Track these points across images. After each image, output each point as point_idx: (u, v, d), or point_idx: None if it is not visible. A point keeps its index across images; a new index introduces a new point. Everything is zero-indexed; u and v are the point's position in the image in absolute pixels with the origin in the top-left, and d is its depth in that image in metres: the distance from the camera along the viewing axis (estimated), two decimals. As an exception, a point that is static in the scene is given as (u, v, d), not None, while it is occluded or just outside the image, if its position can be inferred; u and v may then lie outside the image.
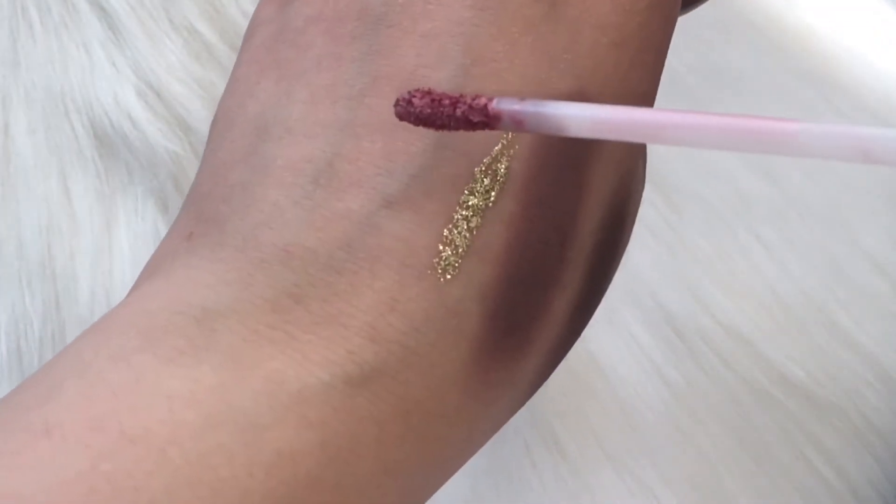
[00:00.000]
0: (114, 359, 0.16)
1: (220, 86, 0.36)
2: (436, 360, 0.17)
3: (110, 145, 0.36)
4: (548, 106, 0.15)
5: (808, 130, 0.13)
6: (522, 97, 0.16)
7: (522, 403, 0.20)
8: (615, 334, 0.34)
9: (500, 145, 0.17)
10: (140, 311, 0.17)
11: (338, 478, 0.16)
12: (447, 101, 0.16)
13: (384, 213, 0.17)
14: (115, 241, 0.34)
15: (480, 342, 0.18)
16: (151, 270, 0.18)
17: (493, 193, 0.17)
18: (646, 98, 0.19)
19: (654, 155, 0.38)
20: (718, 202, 0.36)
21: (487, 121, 0.16)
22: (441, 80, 0.17)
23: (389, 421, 0.17)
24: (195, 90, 0.36)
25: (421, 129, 0.17)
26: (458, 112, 0.16)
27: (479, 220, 0.17)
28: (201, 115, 0.36)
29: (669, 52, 0.20)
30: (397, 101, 0.16)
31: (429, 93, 0.16)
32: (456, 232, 0.17)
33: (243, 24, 0.37)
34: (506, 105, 0.16)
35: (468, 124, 0.16)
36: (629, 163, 0.20)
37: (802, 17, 0.39)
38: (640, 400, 0.33)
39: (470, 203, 0.17)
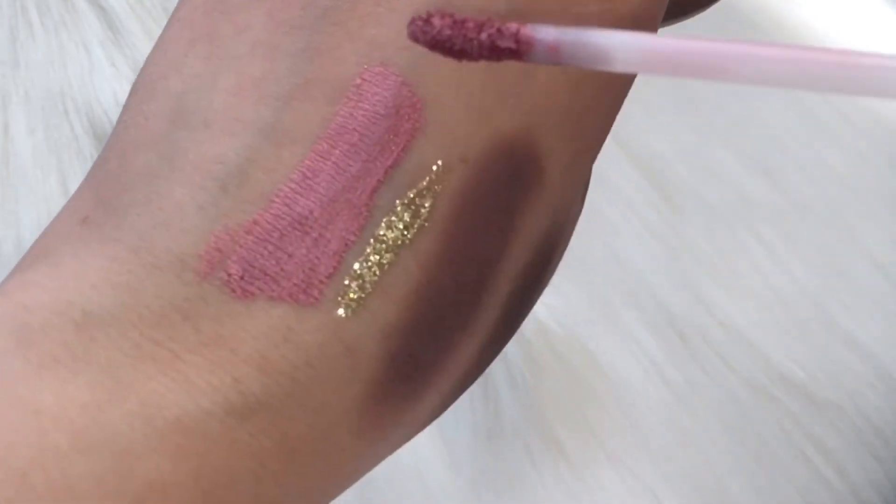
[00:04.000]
0: None
1: (220, 85, 0.36)
2: (326, 398, 0.16)
3: (110, 145, 0.36)
4: (592, 34, 0.13)
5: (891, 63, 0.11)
6: (563, 27, 0.14)
7: (415, 435, 0.19)
8: (616, 334, 0.34)
9: (427, 179, 0.16)
10: (17, 304, 0.15)
11: None
12: (471, 24, 0.14)
13: (292, 234, 0.16)
14: (115, 241, 0.35)
15: (375, 385, 0.16)
16: (39, 251, 0.17)
17: (411, 231, 0.16)
18: (595, 142, 0.18)
19: (656, 155, 0.38)
20: (719, 202, 0.36)
21: (517, 48, 0.14)
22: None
23: (270, 457, 0.16)
24: (195, 90, 0.36)
25: (350, 154, 0.16)
26: (484, 36, 0.14)
27: (393, 256, 0.16)
28: (201, 115, 0.36)
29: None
30: (412, 20, 0.14)
31: (450, 13, 0.14)
32: (365, 266, 0.16)
33: (243, 23, 0.37)
34: (541, 32, 0.14)
35: (494, 51, 0.14)
36: (568, 199, 0.18)
37: (802, 17, 0.39)
38: (640, 400, 0.33)
39: (385, 237, 0.16)
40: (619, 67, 0.13)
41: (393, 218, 0.16)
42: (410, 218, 0.16)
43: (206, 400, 0.15)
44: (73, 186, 0.35)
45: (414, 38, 0.15)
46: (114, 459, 0.14)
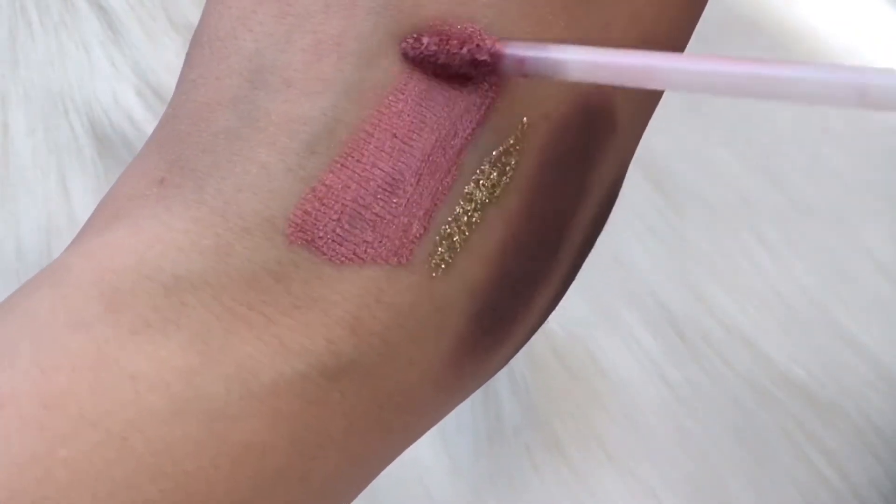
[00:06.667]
0: (73, 325, 0.15)
1: (220, 85, 0.36)
2: (414, 356, 0.16)
3: (110, 145, 0.36)
4: (550, 50, 0.15)
5: (805, 75, 0.13)
6: (529, 42, 0.16)
7: (487, 381, 0.19)
8: (616, 335, 0.34)
9: (513, 137, 0.16)
10: (103, 268, 0.15)
11: (304, 471, 0.15)
12: (455, 41, 0.16)
13: (382, 195, 0.16)
14: (115, 242, 0.34)
15: (460, 341, 0.17)
16: (113, 213, 0.17)
17: (499, 189, 0.16)
18: (659, 93, 0.19)
19: (656, 155, 0.38)
20: (720, 202, 0.36)
21: (491, 60, 0.16)
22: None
23: (359, 415, 0.16)
24: (195, 90, 0.36)
25: (437, 112, 0.16)
26: (465, 51, 0.16)
27: (480, 215, 0.16)
28: (201, 115, 0.36)
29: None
30: (405, 38, 0.16)
31: (437, 32, 0.16)
32: (455, 226, 0.16)
33: (243, 23, 0.37)
34: (510, 48, 0.16)
35: (472, 63, 0.16)
36: (632, 147, 0.19)
37: (802, 17, 0.39)
38: (641, 400, 0.33)
39: (473, 196, 0.16)
40: (572, 77, 0.15)
41: (481, 176, 0.16)
42: (497, 176, 0.16)
43: (300, 362, 0.15)
44: (74, 186, 0.35)
45: (404, 53, 0.16)
46: (211, 423, 0.14)
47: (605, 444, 0.32)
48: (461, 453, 0.32)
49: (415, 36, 0.16)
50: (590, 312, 0.34)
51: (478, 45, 0.16)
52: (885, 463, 0.32)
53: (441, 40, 0.16)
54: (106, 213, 0.17)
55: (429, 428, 0.18)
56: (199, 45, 0.18)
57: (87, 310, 0.15)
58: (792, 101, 0.13)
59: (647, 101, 0.18)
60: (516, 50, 0.16)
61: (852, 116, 0.37)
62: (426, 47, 0.16)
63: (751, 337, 0.33)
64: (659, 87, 0.15)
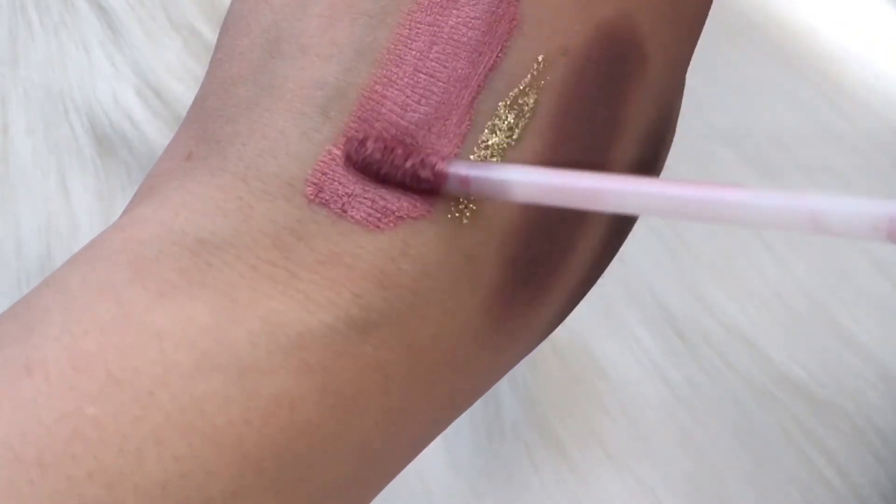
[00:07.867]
0: (102, 291, 0.15)
1: (220, 85, 0.36)
2: (448, 307, 0.16)
3: (109, 145, 0.36)
4: (494, 170, 0.15)
5: (755, 200, 0.13)
6: (473, 161, 0.16)
7: (535, 347, 0.19)
8: (616, 335, 0.34)
9: (529, 76, 0.16)
10: (131, 238, 0.16)
11: (339, 426, 0.15)
12: (399, 151, 0.16)
13: (398, 153, 0.16)
14: (115, 241, 0.34)
15: (496, 290, 0.17)
16: (147, 191, 0.17)
17: (517, 131, 0.16)
18: (695, 24, 0.18)
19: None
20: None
21: (433, 178, 0.16)
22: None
23: (396, 369, 0.16)
24: (195, 89, 0.36)
25: (447, 64, 0.16)
26: (408, 164, 0.16)
27: (500, 160, 0.16)
28: (201, 115, 0.36)
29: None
30: (350, 140, 0.16)
31: (383, 139, 0.16)
32: None
33: (243, 23, 0.37)
34: (454, 168, 0.16)
35: (414, 178, 0.16)
36: (670, 95, 0.18)
37: (803, 17, 0.39)
38: (641, 400, 0.33)
39: (490, 142, 0.16)
40: (518, 199, 0.15)
41: (496, 121, 0.16)
42: (515, 118, 0.16)
43: (327, 315, 0.15)
44: (74, 186, 0.35)
45: (347, 156, 0.16)
46: (239, 377, 0.15)
47: (605, 443, 0.32)
48: (460, 451, 0.32)
49: (360, 139, 0.16)
50: (590, 312, 0.34)
51: (422, 161, 0.16)
52: (885, 463, 0.32)
53: (385, 149, 0.16)
54: (140, 193, 0.18)
55: (477, 392, 0.18)
56: (225, 29, 0.18)
57: (115, 277, 0.15)
58: (744, 226, 0.13)
59: (682, 30, 0.18)
60: (460, 169, 0.16)
61: (852, 117, 0.37)
62: (370, 154, 0.16)
63: (751, 337, 0.33)
64: (607, 210, 0.14)
